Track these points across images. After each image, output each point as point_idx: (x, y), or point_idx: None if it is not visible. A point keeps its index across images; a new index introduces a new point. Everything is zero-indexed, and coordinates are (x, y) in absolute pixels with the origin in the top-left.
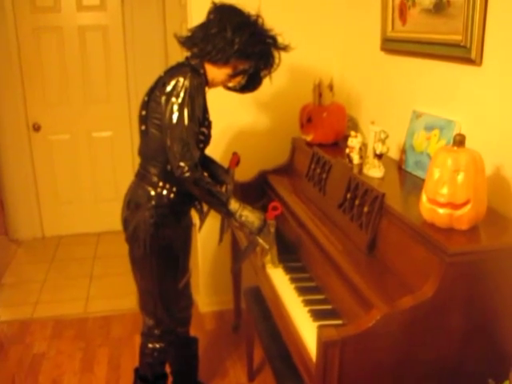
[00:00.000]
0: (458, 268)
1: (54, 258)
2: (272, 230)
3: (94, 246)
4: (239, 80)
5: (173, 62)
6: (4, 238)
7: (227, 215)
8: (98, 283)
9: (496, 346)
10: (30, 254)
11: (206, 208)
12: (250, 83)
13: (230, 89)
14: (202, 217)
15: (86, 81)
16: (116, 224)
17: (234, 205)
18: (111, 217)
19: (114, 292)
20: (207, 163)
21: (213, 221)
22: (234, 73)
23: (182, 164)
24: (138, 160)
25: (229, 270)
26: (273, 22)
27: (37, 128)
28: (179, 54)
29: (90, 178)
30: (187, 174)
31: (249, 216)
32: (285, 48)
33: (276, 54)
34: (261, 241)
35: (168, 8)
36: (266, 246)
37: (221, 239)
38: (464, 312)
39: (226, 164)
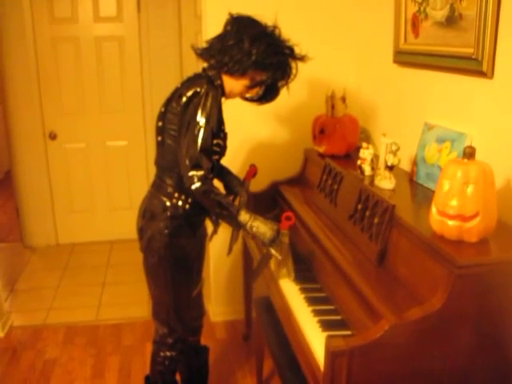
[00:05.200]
0: (467, 280)
1: (67, 266)
2: (286, 240)
3: (107, 254)
4: (257, 91)
5: (188, 72)
6: (19, 244)
7: (238, 227)
8: (111, 291)
9: (505, 359)
10: (43, 261)
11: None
12: (268, 94)
13: (247, 99)
14: (216, 227)
15: (101, 90)
16: (129, 232)
17: (244, 216)
18: (125, 225)
19: (126, 300)
20: (223, 174)
21: (225, 231)
22: (252, 84)
23: (191, 174)
24: (152, 169)
25: (240, 280)
26: (287, 33)
27: (53, 136)
28: (194, 65)
29: (105, 186)
30: (197, 185)
31: (260, 227)
32: (302, 58)
33: (293, 64)
34: (274, 252)
35: (183, 19)
36: (279, 257)
37: (230, 250)
38: (473, 324)
39: (242, 175)
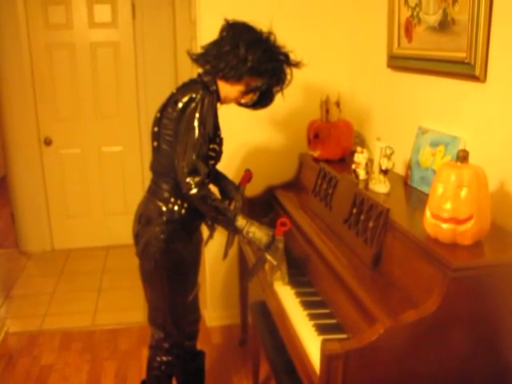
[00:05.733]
0: (462, 283)
1: (63, 271)
2: (280, 245)
3: (103, 260)
4: (251, 96)
5: (183, 77)
6: (14, 250)
7: (234, 232)
8: (106, 296)
9: (500, 361)
10: (39, 267)
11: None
12: (263, 99)
13: (241, 105)
14: (211, 232)
15: (96, 96)
16: (125, 238)
17: (241, 221)
18: (120, 231)
19: (122, 305)
20: (219, 179)
21: (221, 236)
22: (247, 90)
23: (188, 180)
24: (147, 174)
25: (236, 284)
26: (281, 39)
27: (48, 142)
28: (189, 71)
29: (100, 192)
30: (194, 191)
31: (256, 232)
32: (297, 65)
33: (288, 70)
34: (269, 257)
35: (178, 25)
36: (274, 262)
37: (225, 255)
38: (467, 327)
39: (237, 180)
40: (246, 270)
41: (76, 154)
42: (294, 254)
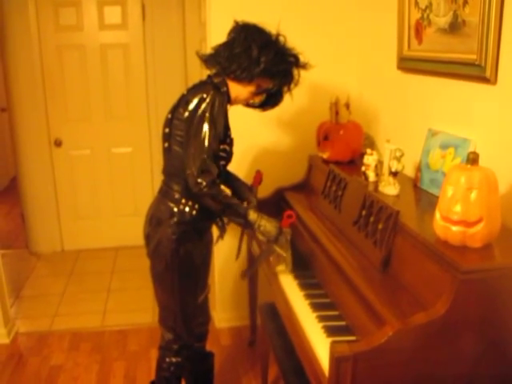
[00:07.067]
0: (471, 285)
1: (72, 272)
2: (288, 237)
3: (112, 261)
4: (260, 97)
5: (192, 79)
6: (24, 251)
7: (246, 226)
8: (116, 297)
9: (509, 364)
10: (49, 268)
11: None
12: (271, 100)
13: (249, 105)
14: (222, 233)
15: (106, 98)
16: (134, 239)
17: (252, 215)
18: (130, 232)
19: (131, 306)
20: (231, 181)
21: (231, 237)
22: (258, 91)
23: (200, 180)
24: (157, 176)
25: (245, 286)
26: (291, 40)
27: (58, 143)
28: (199, 72)
29: (110, 193)
30: (205, 190)
31: (266, 226)
32: (305, 66)
33: (296, 71)
34: (278, 249)
35: (188, 27)
36: (284, 254)
37: (238, 255)
38: (477, 329)
39: (247, 181)
40: (256, 273)
41: (86, 155)
42: (303, 256)
